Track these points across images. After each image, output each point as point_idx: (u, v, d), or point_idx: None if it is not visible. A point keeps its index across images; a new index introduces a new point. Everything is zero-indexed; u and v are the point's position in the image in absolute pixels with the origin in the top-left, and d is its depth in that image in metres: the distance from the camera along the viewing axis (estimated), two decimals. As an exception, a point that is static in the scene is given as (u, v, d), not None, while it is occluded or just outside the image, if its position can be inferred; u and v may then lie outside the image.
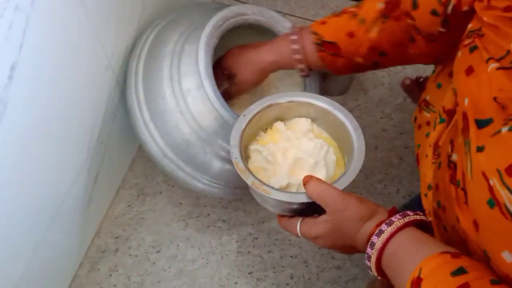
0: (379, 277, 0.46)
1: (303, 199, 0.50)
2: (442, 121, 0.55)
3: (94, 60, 0.63)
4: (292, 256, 0.83)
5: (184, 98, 0.64)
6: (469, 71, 0.42)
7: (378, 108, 0.99)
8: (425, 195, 0.55)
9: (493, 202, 0.36)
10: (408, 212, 0.47)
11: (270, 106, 0.58)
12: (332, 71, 0.66)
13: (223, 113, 0.61)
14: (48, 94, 0.55)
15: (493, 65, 0.39)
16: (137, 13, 0.71)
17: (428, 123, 0.63)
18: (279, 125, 0.60)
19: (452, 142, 0.49)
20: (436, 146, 0.55)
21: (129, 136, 0.83)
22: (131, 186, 0.88)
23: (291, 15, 1.12)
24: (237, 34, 0.72)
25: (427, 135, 0.61)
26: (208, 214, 0.86)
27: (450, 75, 0.60)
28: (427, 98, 0.65)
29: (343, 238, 0.49)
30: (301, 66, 0.65)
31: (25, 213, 0.58)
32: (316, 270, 0.81)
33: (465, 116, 0.42)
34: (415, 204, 0.83)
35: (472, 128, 0.40)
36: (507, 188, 0.34)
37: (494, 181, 0.36)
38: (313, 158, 0.55)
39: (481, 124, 0.39)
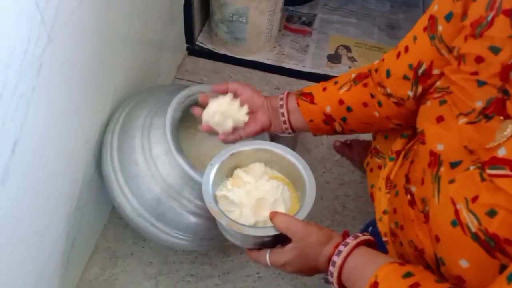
0: None
1: (273, 231, 0.59)
2: (391, 159, 0.71)
3: (74, 138, 0.74)
4: (256, 301, 0.91)
5: (154, 162, 0.76)
6: (439, 119, 0.54)
7: (321, 164, 1.15)
8: (380, 219, 0.68)
9: (456, 222, 0.47)
10: (358, 234, 0.58)
11: (232, 155, 0.69)
12: (310, 128, 0.76)
13: (188, 171, 0.73)
14: (38, 167, 0.64)
15: (462, 120, 0.50)
16: (110, 95, 0.84)
17: (379, 167, 0.78)
18: (239, 172, 0.70)
19: (407, 177, 0.62)
20: (387, 179, 0.70)
21: (103, 202, 0.92)
22: (103, 250, 0.95)
23: (240, 91, 1.29)
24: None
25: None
26: (177, 270, 0.94)
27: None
28: (377, 147, 0.81)
29: (308, 262, 0.59)
30: (282, 110, 0.75)
31: (7, 279, 0.63)
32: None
33: (433, 154, 0.54)
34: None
35: (446, 168, 0.52)
36: (471, 212, 0.46)
37: (461, 206, 0.47)
38: (272, 197, 0.66)
39: (454, 165, 0.51)
